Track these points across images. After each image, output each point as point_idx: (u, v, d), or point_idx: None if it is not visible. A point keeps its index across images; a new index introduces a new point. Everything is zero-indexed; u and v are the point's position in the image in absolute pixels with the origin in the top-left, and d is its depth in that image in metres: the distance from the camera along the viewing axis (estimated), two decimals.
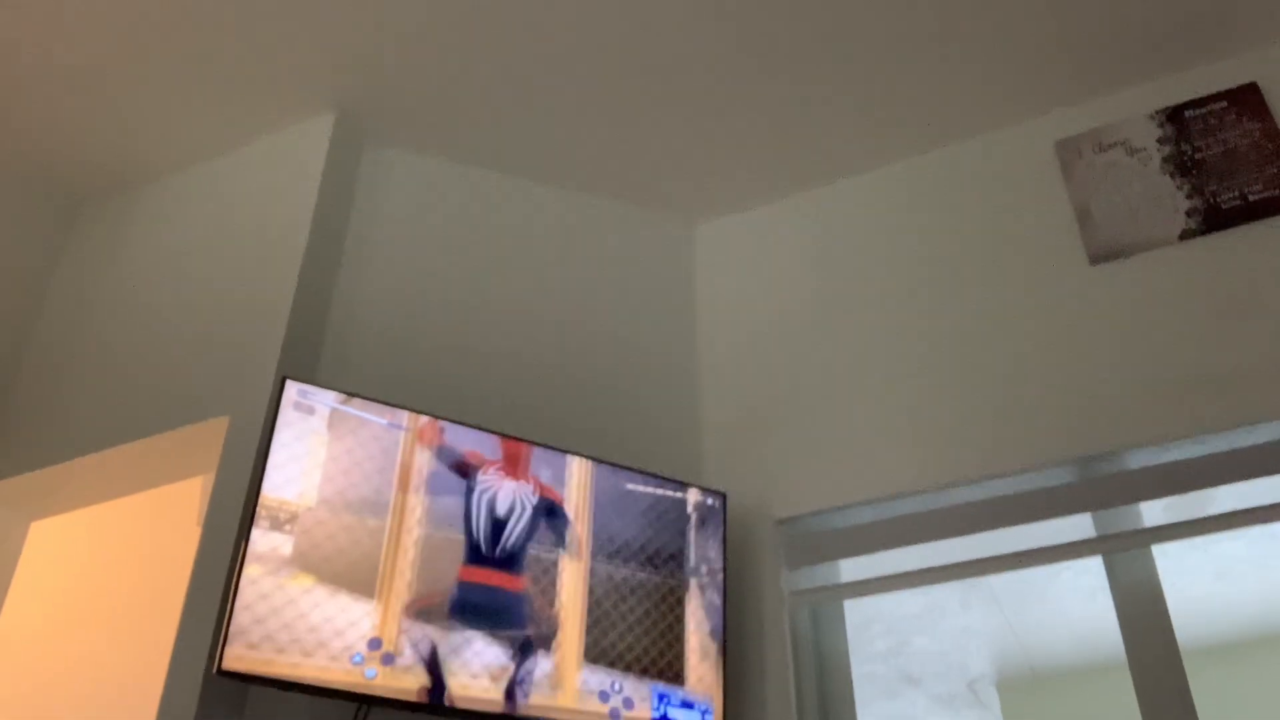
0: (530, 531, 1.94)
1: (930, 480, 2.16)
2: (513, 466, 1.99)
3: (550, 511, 1.98)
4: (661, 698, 1.93)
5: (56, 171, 2.64)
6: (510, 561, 1.90)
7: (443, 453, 1.94)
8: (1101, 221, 2.27)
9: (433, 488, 1.89)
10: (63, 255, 2.68)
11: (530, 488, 1.98)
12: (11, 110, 2.46)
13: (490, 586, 1.86)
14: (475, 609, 1.83)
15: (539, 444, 2.04)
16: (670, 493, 2.12)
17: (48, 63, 2.34)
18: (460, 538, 1.87)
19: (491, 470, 1.96)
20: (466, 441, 1.96)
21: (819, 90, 2.41)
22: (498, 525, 1.91)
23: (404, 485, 1.87)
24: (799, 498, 2.28)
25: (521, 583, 1.89)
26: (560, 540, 1.96)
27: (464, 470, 1.94)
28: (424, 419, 1.94)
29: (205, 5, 2.21)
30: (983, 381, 2.22)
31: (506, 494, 1.95)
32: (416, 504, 1.86)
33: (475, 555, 1.87)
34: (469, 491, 1.92)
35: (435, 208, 2.52)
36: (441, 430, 1.95)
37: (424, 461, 1.91)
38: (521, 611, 1.87)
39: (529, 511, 1.96)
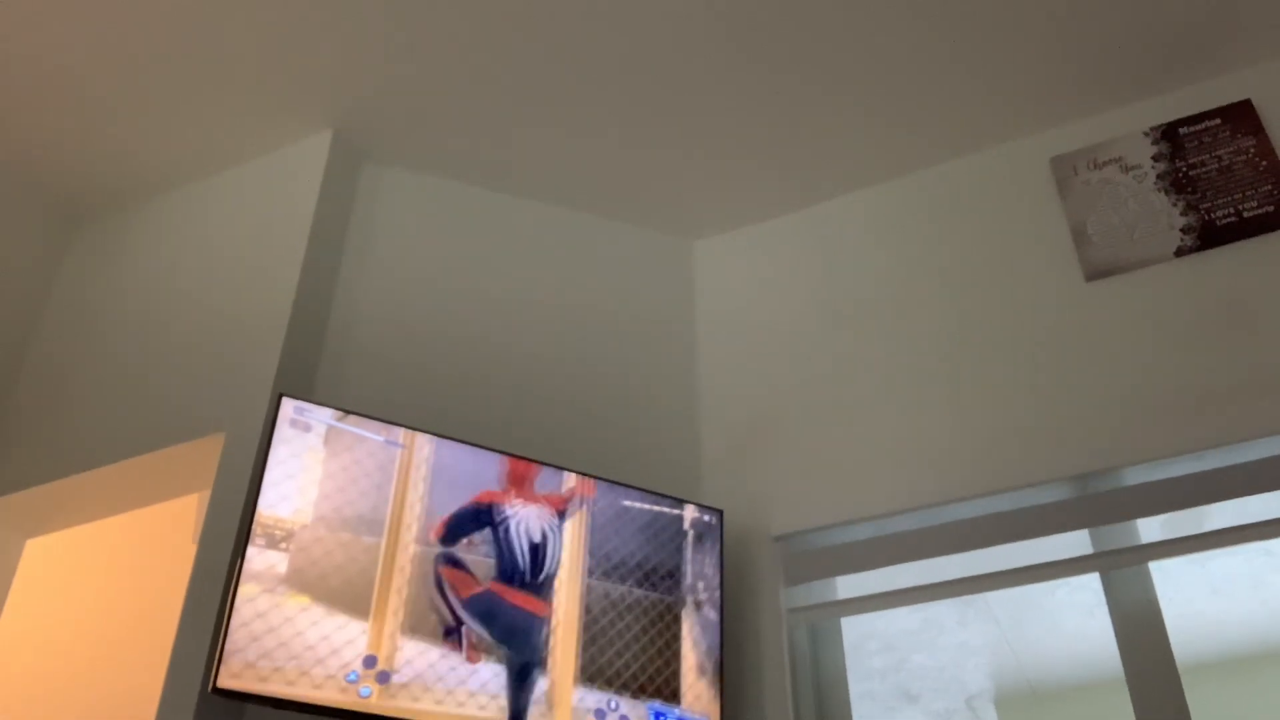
0: (558, 553, 1.95)
1: (927, 497, 2.16)
2: (520, 487, 1.99)
3: (564, 514, 2.00)
4: (658, 716, 1.92)
5: (55, 188, 2.65)
6: (541, 587, 1.90)
7: (459, 515, 1.94)
8: (1097, 238, 2.28)
9: (433, 501, 1.89)
10: (60, 272, 2.68)
11: (548, 510, 1.99)
12: (10, 127, 2.46)
13: (518, 607, 1.86)
14: (495, 620, 1.83)
15: (537, 461, 2.04)
16: (667, 509, 2.12)
17: (47, 80, 2.34)
18: (490, 562, 1.88)
19: (508, 501, 1.96)
20: (466, 463, 1.96)
21: (816, 107, 2.42)
22: (536, 552, 1.93)
23: (400, 502, 1.86)
24: (796, 514, 2.27)
25: (546, 608, 1.89)
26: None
27: (484, 512, 1.94)
28: (423, 435, 1.94)
29: (203, 23, 2.21)
30: (979, 398, 2.23)
31: (535, 521, 1.96)
32: (413, 521, 1.86)
33: (509, 578, 1.88)
34: (497, 525, 1.92)
35: (432, 225, 2.52)
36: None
37: (430, 467, 1.91)
38: (539, 636, 1.87)
39: (555, 533, 1.97)
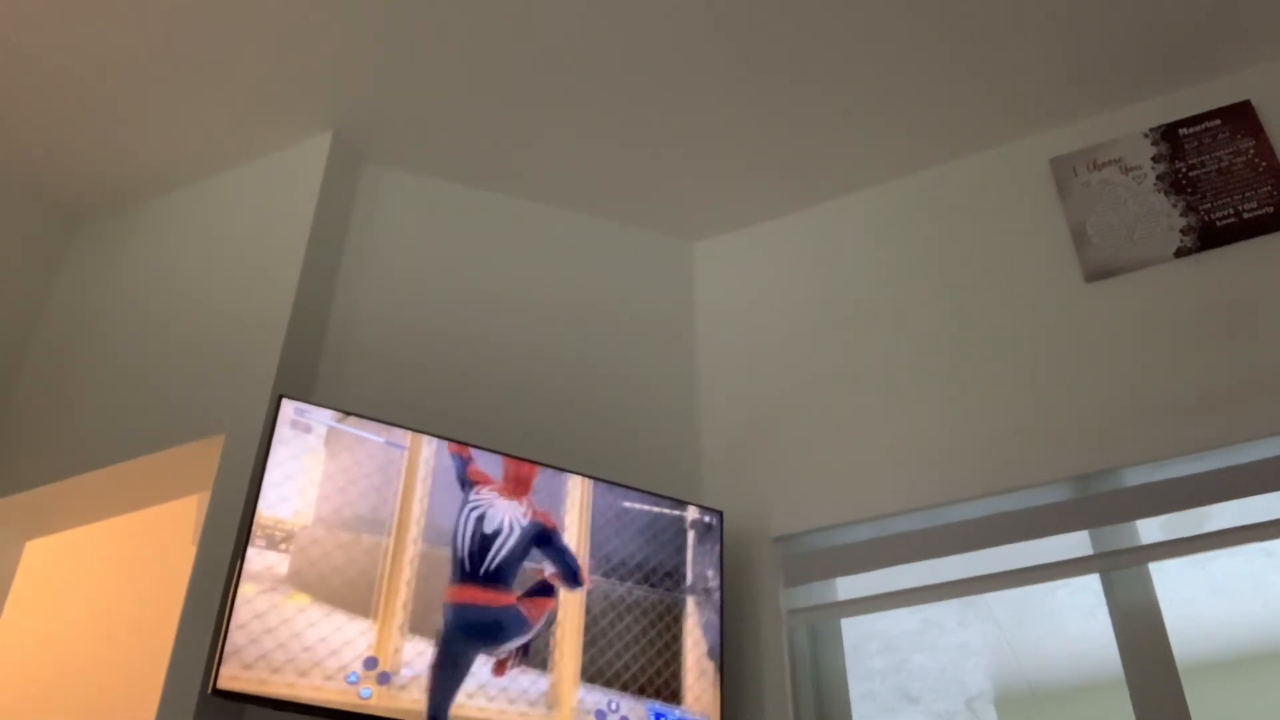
0: (519, 552, 1.93)
1: (927, 498, 2.16)
2: (514, 487, 1.99)
3: (543, 537, 1.97)
4: (659, 717, 1.92)
5: (55, 189, 2.65)
6: (497, 578, 1.89)
7: (457, 461, 1.94)
8: (1097, 239, 2.28)
9: (434, 501, 1.88)
10: (60, 273, 2.68)
11: (523, 509, 1.98)
12: (11, 127, 2.46)
13: (478, 605, 1.85)
14: (467, 629, 1.82)
15: (539, 463, 2.04)
16: (668, 510, 2.12)
17: (48, 81, 2.34)
18: (449, 554, 1.87)
19: (487, 490, 1.96)
20: (473, 460, 1.96)
21: (816, 108, 2.42)
22: (485, 542, 1.91)
23: (403, 503, 1.86)
24: (796, 515, 2.27)
25: (509, 597, 1.89)
26: (571, 577, 1.95)
27: (464, 484, 1.94)
28: (423, 436, 1.94)
29: (203, 25, 2.21)
30: (979, 399, 2.23)
31: (497, 513, 1.95)
32: (412, 523, 1.86)
33: (462, 573, 1.87)
34: (460, 507, 1.92)
35: (432, 226, 2.52)
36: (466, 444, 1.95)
37: (431, 468, 1.90)
38: (512, 624, 1.86)
39: (517, 532, 1.95)
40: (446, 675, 1.77)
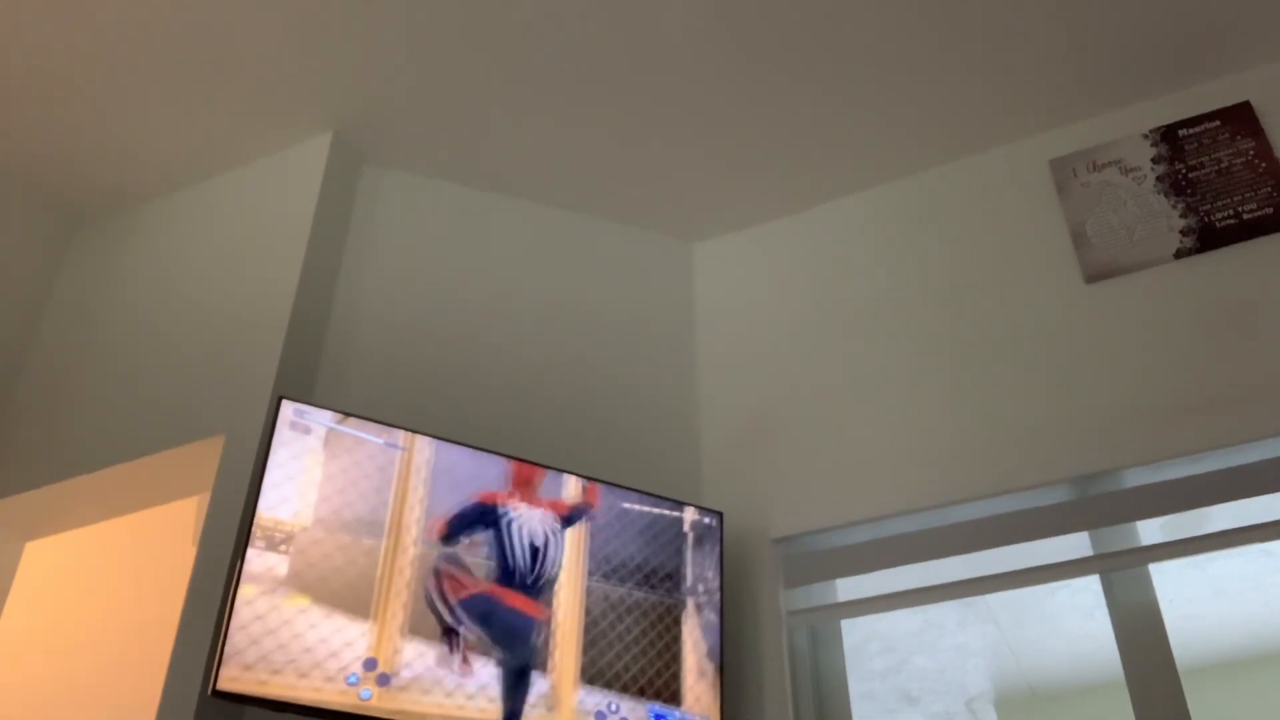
0: (559, 557, 1.95)
1: (927, 499, 2.16)
2: (521, 490, 1.99)
3: (568, 521, 1.99)
4: (659, 718, 1.92)
5: (55, 189, 2.65)
6: (540, 590, 1.90)
7: (465, 509, 1.94)
8: (1096, 240, 2.28)
9: (433, 502, 1.89)
10: (60, 274, 2.68)
11: (551, 515, 1.99)
12: (11, 128, 2.46)
13: (514, 609, 1.86)
14: (491, 621, 1.83)
15: (538, 464, 2.04)
16: (667, 512, 2.12)
17: (48, 82, 2.34)
18: (490, 563, 1.88)
19: (510, 501, 1.96)
20: (466, 465, 1.96)
21: (816, 109, 2.42)
22: (535, 555, 1.92)
23: (402, 504, 1.86)
24: (796, 517, 2.27)
25: (544, 611, 1.89)
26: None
27: (487, 512, 1.94)
28: (423, 437, 1.94)
29: (204, 26, 2.21)
30: (979, 400, 2.23)
31: (536, 524, 1.96)
32: (411, 524, 1.86)
33: (508, 580, 1.88)
34: (499, 524, 1.92)
35: (432, 228, 2.52)
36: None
37: (431, 469, 1.90)
38: (534, 638, 1.87)
39: (556, 537, 1.96)
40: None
